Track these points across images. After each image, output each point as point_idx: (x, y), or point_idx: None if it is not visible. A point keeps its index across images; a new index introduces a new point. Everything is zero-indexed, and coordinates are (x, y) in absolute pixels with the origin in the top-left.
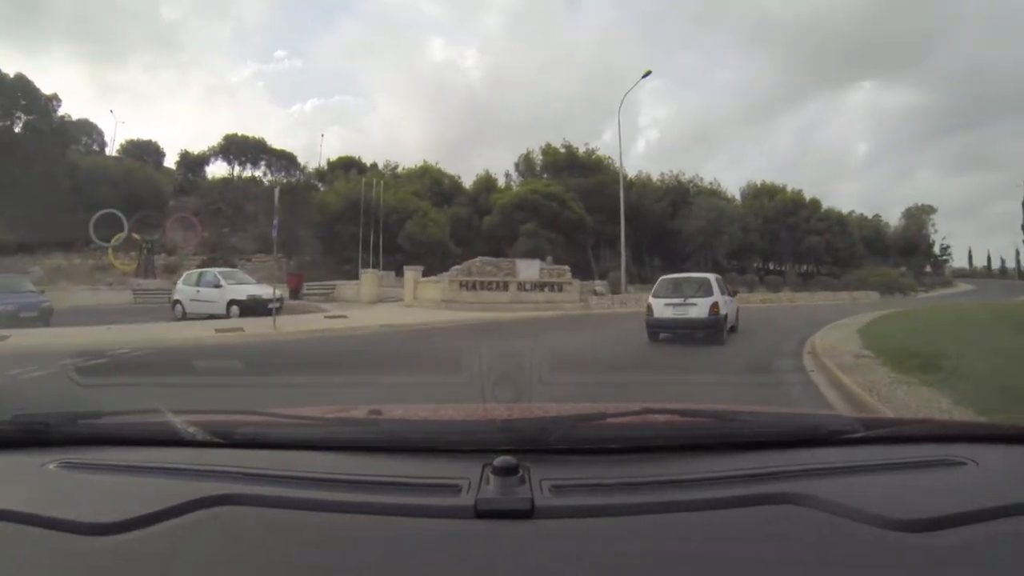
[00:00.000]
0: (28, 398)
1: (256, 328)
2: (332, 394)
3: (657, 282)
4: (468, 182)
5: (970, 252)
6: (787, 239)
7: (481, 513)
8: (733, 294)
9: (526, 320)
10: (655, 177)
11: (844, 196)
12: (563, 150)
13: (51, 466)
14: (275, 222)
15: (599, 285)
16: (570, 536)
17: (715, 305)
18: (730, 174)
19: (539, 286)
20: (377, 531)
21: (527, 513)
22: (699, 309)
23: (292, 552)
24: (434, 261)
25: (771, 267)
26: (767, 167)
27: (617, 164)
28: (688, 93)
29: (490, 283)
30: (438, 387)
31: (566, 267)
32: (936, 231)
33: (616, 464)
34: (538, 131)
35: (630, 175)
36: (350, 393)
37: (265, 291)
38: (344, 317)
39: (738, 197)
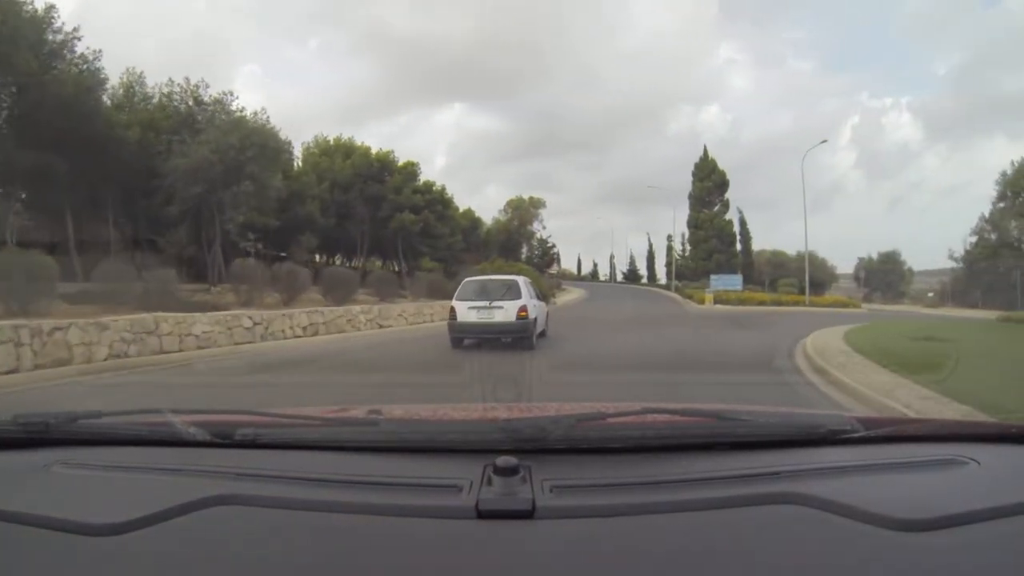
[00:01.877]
0: None
1: None
2: None
3: (461, 284)
4: None
5: (579, 258)
6: (366, 216)
7: (482, 513)
8: (543, 297)
9: None
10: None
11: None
12: None
13: (51, 466)
14: None
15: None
16: (572, 536)
17: (523, 309)
18: None
19: None
20: (378, 532)
21: (528, 513)
22: (506, 313)
23: (292, 552)
24: None
25: (336, 259)
26: None
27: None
28: (282, 84)
29: None
30: None
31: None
32: (544, 227)
33: (617, 464)
34: None
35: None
36: None
37: None
38: None
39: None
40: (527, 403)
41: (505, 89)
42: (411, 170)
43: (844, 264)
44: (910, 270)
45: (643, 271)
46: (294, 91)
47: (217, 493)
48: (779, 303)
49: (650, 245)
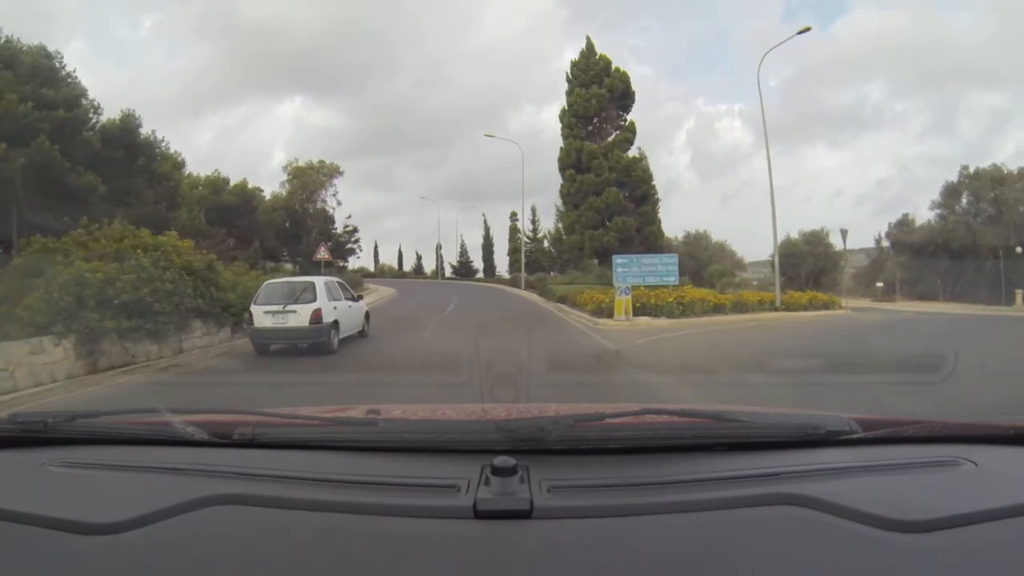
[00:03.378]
0: None
1: None
2: None
3: (262, 286)
4: None
5: (376, 251)
6: None
7: (480, 513)
8: (359, 298)
9: None
10: None
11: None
12: None
13: (50, 466)
14: None
15: None
16: (569, 537)
17: (317, 312)
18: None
19: None
20: (376, 531)
21: (526, 513)
22: (299, 317)
23: (291, 552)
24: None
25: None
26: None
27: None
28: (110, 64)
29: None
30: None
31: None
32: (339, 203)
33: (615, 465)
34: None
35: None
36: None
37: None
38: None
39: None
40: (526, 403)
41: (346, 83)
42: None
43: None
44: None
45: (479, 264)
46: (123, 74)
47: (215, 493)
48: (743, 308)
49: (487, 230)
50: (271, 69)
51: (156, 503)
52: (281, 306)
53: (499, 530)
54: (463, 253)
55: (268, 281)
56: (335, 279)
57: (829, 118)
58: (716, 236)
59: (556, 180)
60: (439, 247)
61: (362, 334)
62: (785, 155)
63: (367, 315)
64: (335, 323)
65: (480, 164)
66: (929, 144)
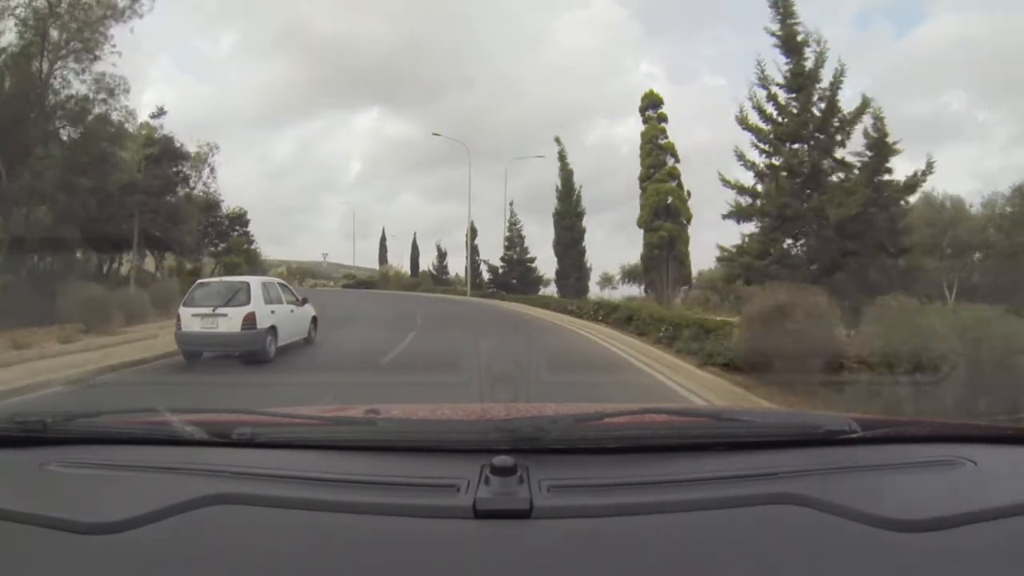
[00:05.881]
0: None
1: None
2: None
3: (193, 285)
4: None
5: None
6: None
7: (480, 513)
8: (303, 301)
9: None
10: None
11: (332, 209)
12: None
13: (49, 465)
14: None
15: None
16: (569, 536)
17: (250, 317)
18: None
19: None
20: (375, 531)
21: (526, 513)
22: (230, 322)
23: (290, 552)
24: None
25: None
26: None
27: None
28: (190, 81)
29: None
30: None
31: None
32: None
33: (615, 464)
34: None
35: None
36: None
37: None
38: None
39: None
40: (525, 403)
41: (421, 96)
42: None
43: None
44: None
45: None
46: (206, 88)
47: (214, 492)
48: None
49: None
50: (347, 83)
51: (155, 502)
52: (211, 309)
53: (498, 530)
54: (441, 257)
55: (199, 280)
56: (276, 280)
57: (907, 128)
58: None
59: (630, 195)
60: (473, 234)
61: (308, 340)
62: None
63: (314, 319)
64: (272, 329)
65: (553, 176)
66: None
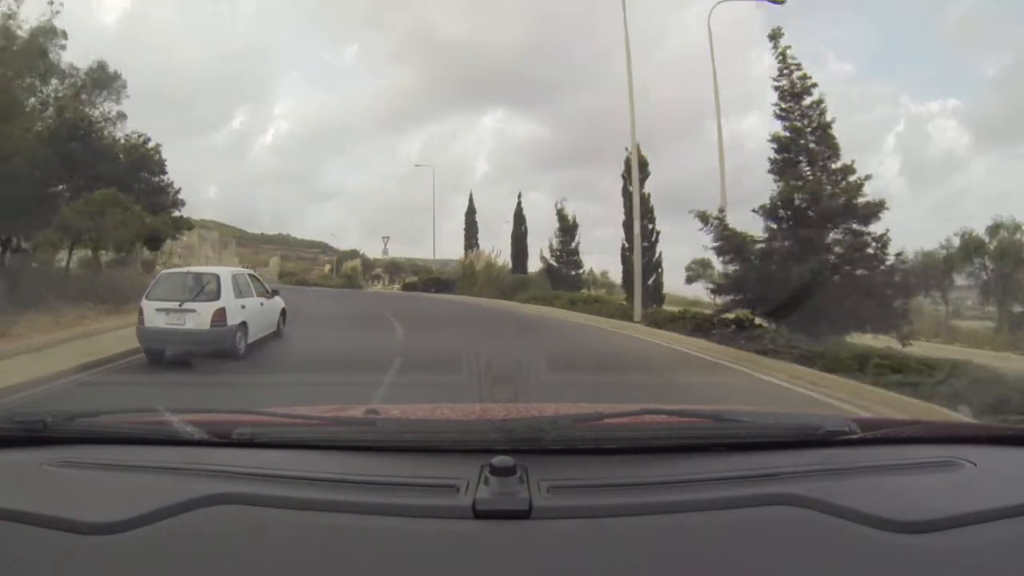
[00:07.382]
0: None
1: None
2: None
3: (157, 276)
4: None
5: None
6: None
7: (479, 513)
8: (273, 293)
9: None
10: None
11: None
12: None
13: (49, 465)
14: None
15: None
16: (568, 537)
17: (220, 313)
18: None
19: None
20: (375, 531)
21: (525, 513)
22: (199, 318)
23: (289, 551)
24: None
25: None
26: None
27: None
28: (319, 90)
29: None
30: None
31: None
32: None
33: (614, 465)
34: None
35: None
36: None
37: None
38: None
39: None
40: (524, 403)
41: (546, 95)
42: None
43: None
44: None
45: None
46: (330, 96)
47: (214, 492)
48: None
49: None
50: (471, 85)
51: (155, 502)
52: (177, 303)
53: (498, 530)
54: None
55: (164, 271)
56: (246, 271)
57: None
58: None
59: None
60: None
61: (277, 334)
62: (1011, 158)
63: (283, 312)
64: (243, 325)
65: (682, 174)
66: None
